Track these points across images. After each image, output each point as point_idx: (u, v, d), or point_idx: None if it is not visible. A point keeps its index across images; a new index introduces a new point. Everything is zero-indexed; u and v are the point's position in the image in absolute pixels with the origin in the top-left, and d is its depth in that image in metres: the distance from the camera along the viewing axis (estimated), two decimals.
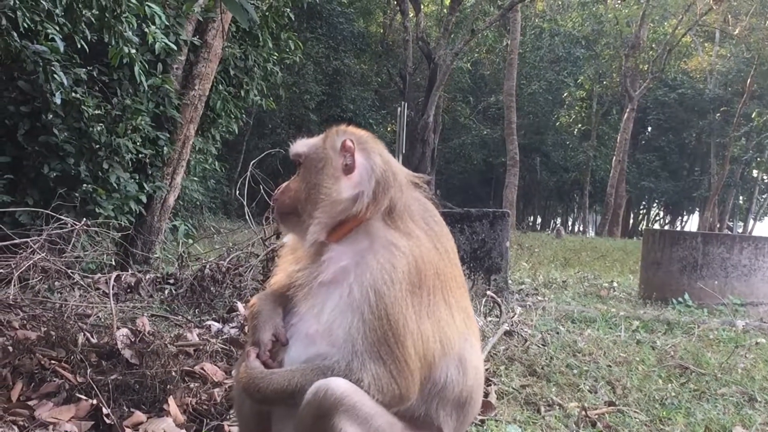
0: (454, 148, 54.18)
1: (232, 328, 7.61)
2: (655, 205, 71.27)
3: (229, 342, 6.83)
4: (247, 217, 11.33)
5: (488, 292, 9.61)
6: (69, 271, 8.34)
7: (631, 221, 66.92)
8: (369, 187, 2.82)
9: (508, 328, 8.51)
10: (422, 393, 2.69)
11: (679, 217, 72.19)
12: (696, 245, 12.59)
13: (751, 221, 64.59)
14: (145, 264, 11.54)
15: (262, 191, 10.60)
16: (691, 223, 72.11)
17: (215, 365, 6.13)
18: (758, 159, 57.19)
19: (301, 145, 2.98)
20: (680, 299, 12.19)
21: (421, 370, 2.62)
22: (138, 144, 11.08)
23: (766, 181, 66.70)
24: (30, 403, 5.06)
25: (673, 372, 7.69)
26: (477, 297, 9.88)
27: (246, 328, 6.86)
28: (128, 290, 9.35)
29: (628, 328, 9.92)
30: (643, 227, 62.16)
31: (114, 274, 8.44)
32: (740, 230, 60.31)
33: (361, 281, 2.65)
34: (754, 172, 63.43)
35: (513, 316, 9.38)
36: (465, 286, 2.95)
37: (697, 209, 64.93)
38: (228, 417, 5.33)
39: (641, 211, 71.64)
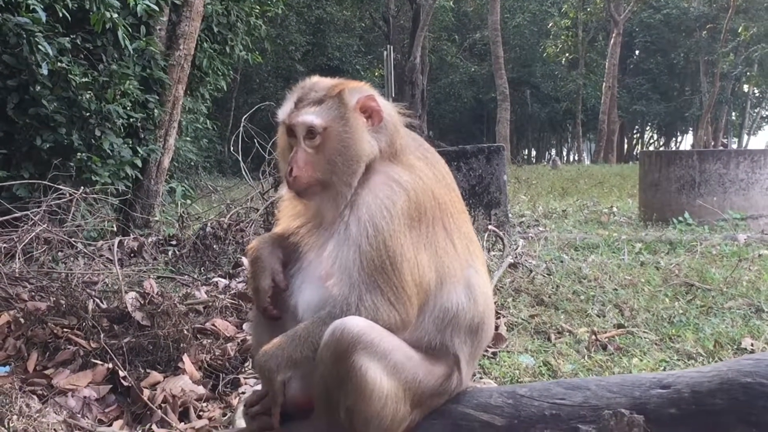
0: (443, 87, 53.96)
1: (239, 282, 7.63)
2: (648, 128, 71.19)
3: (237, 296, 6.84)
4: (243, 173, 11.32)
5: (489, 227, 9.63)
6: (71, 240, 8.33)
7: (626, 146, 66.89)
8: (386, 134, 2.85)
9: (512, 261, 8.55)
10: (435, 322, 2.72)
11: (673, 138, 72.17)
12: (692, 163, 12.61)
13: (746, 136, 64.62)
14: (145, 228, 11.56)
15: (257, 146, 10.58)
16: (686, 142, 72.18)
17: (226, 320, 6.18)
18: (748, 73, 57.06)
19: (313, 117, 2.82)
20: (680, 218, 12.23)
21: (419, 297, 2.65)
22: (128, 108, 11.04)
23: (757, 95, 66.57)
24: (47, 372, 5.11)
25: (678, 290, 7.73)
26: (479, 232, 9.88)
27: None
28: (132, 255, 9.37)
29: (631, 251, 9.96)
30: (638, 151, 62.20)
31: (117, 240, 8.43)
32: (735, 146, 60.25)
33: (358, 216, 2.68)
34: (745, 87, 63.29)
35: (516, 249, 9.42)
36: (465, 211, 2.97)
37: (691, 129, 64.91)
38: (243, 370, 5.41)
39: (635, 135, 71.55)
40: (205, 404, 4.96)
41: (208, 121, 17.27)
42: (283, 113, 2.92)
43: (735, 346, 6.06)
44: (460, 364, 2.75)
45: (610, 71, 47.33)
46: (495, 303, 6.30)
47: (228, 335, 5.88)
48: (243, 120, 11.06)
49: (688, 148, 58.46)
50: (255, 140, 10.66)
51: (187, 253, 9.37)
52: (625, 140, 65.91)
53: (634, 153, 65.37)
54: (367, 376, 2.53)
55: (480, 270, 2.87)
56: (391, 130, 2.87)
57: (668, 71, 63.10)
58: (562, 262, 9.02)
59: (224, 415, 4.81)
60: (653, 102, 60.57)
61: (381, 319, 2.60)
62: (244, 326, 6.15)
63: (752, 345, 6.06)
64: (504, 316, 6.48)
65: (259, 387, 3.08)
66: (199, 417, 4.79)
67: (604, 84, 48.34)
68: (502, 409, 2.58)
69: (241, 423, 4.25)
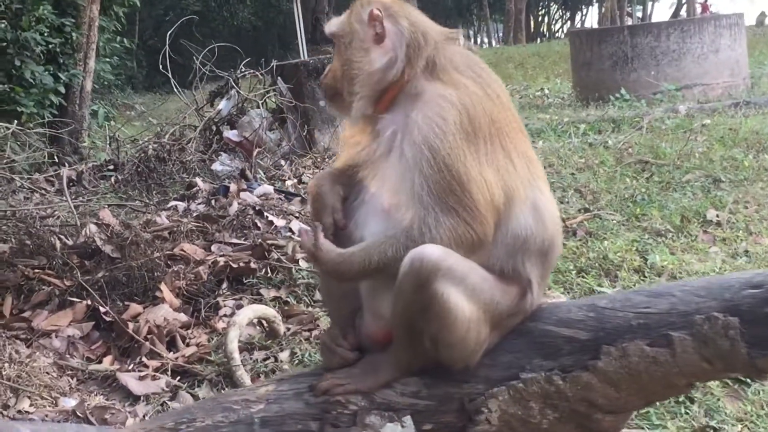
0: None
1: (199, 204, 7.50)
2: (553, 3, 71.17)
3: (201, 219, 6.74)
4: (175, 89, 11.05)
5: None
6: (11, 176, 8.06)
7: (533, 24, 66.93)
8: (401, 51, 2.76)
9: None
10: (507, 249, 2.69)
11: (578, 12, 72.33)
12: (624, 39, 12.66)
13: (650, 4, 65.06)
14: (75, 155, 11.25)
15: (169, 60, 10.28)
16: (591, 16, 72.36)
17: (193, 244, 6.09)
18: None
19: (331, 24, 2.92)
20: (617, 95, 12.30)
21: (492, 215, 2.61)
22: (45, 35, 10.71)
23: None
24: (25, 315, 5.03)
25: (634, 168, 7.84)
26: None
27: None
28: (71, 184, 9.09)
29: (577, 132, 10.01)
30: (545, 29, 62.21)
31: (64, 170, 8.14)
32: (639, 15, 60.66)
33: (411, 140, 2.61)
34: None
35: None
36: (524, 131, 2.89)
37: (595, 1, 65.01)
38: (221, 292, 5.39)
39: (540, 12, 71.55)
40: (189, 331, 4.94)
41: (125, 40, 16.72)
42: None
43: (701, 219, 6.18)
44: (532, 285, 2.74)
45: None
46: None
47: (198, 259, 5.80)
48: (169, 35, 10.68)
49: (595, 22, 58.73)
50: (167, 54, 10.33)
51: (129, 177, 9.15)
52: (531, 18, 65.89)
53: (541, 30, 65.49)
54: (450, 302, 2.52)
55: (544, 190, 2.82)
56: (419, 46, 2.77)
57: None
58: None
59: (210, 340, 4.81)
60: None
61: (460, 240, 2.56)
62: (213, 248, 6.07)
63: (717, 216, 6.20)
64: None
65: None
66: (187, 345, 4.78)
67: None
68: (584, 323, 2.57)
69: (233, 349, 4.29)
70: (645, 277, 5.28)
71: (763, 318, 2.29)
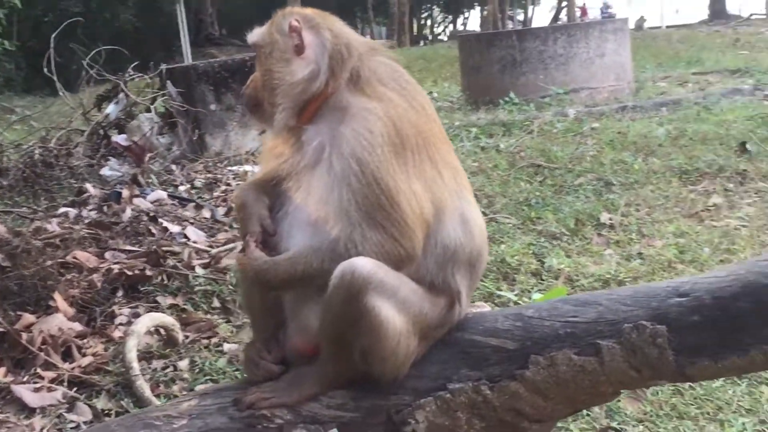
0: None
1: (91, 210, 7.28)
2: (435, 7, 71.95)
3: (93, 226, 6.56)
4: (60, 92, 10.66)
5: None
6: None
7: (416, 28, 67.55)
8: (323, 62, 2.75)
9: None
10: (437, 261, 2.70)
11: (461, 16, 73.32)
12: (512, 43, 12.82)
13: (530, 8, 66.33)
14: None
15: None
16: (473, 19, 73.43)
17: (86, 252, 5.92)
18: None
19: (253, 35, 2.89)
20: (507, 98, 12.42)
21: (422, 229, 2.61)
22: None
23: None
24: None
25: (528, 171, 7.94)
26: None
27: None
28: None
29: (469, 136, 10.08)
30: (428, 32, 62.87)
31: None
32: (521, 18, 61.79)
33: (339, 153, 2.59)
34: None
35: None
36: (449, 141, 2.91)
37: (476, 4, 66.00)
38: (116, 300, 5.25)
39: (423, 16, 72.27)
40: (85, 341, 4.81)
41: (6, 42, 16.14)
42: None
43: (594, 222, 6.32)
44: (461, 296, 2.75)
45: None
46: None
47: (92, 266, 5.64)
48: (52, 38, 10.30)
49: (477, 24, 59.54)
50: (51, 57, 10.00)
51: (15, 183, 8.83)
52: (414, 21, 66.52)
53: (424, 33, 66.13)
54: (381, 315, 2.51)
55: (471, 200, 2.84)
56: (342, 58, 2.76)
57: None
58: None
59: (107, 349, 4.70)
60: None
61: (387, 256, 2.55)
62: (107, 255, 5.91)
63: (610, 219, 6.35)
64: None
65: None
66: (83, 355, 4.66)
67: None
68: (512, 333, 2.57)
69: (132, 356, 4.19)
70: (542, 280, 5.37)
71: (690, 326, 2.32)
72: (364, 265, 2.49)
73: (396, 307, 2.54)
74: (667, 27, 35.42)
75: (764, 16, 35.69)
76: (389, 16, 49.17)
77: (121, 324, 4.97)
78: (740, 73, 14.16)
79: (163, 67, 10.34)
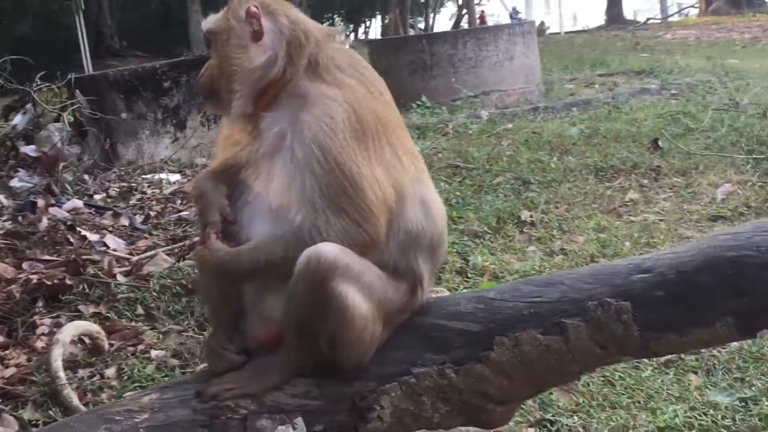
0: None
1: (5, 221, 7.09)
2: (336, 16, 72.14)
3: (8, 236, 6.42)
4: None
5: None
6: None
7: None
8: (281, 49, 2.73)
9: None
10: (399, 246, 2.69)
11: (362, 24, 73.66)
12: (422, 47, 12.92)
13: (431, 16, 66.99)
14: None
15: None
16: (375, 27, 73.78)
17: (3, 263, 5.79)
18: None
19: (208, 22, 2.85)
20: (419, 102, 12.49)
21: (385, 214, 2.60)
22: None
23: None
24: None
25: (446, 172, 7.98)
26: None
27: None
28: None
29: None
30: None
31: None
32: (422, 26, 62.35)
33: (301, 140, 2.57)
34: None
35: None
36: (404, 127, 2.91)
37: (377, 12, 66.37)
38: (36, 310, 5.13)
39: (324, 23, 72.32)
40: (7, 352, 4.70)
41: None
42: None
43: (515, 220, 6.38)
44: (423, 280, 2.75)
45: None
46: None
47: (9, 277, 5.53)
48: None
49: (378, 33, 59.75)
50: None
51: None
52: None
53: None
54: (348, 300, 2.49)
55: (430, 185, 2.85)
56: (300, 44, 2.74)
57: None
58: None
59: (30, 360, 4.58)
60: None
61: (352, 242, 2.54)
62: (24, 265, 5.79)
63: (531, 216, 6.42)
64: None
65: None
66: (6, 366, 4.53)
67: None
68: (475, 315, 2.57)
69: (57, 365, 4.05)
70: (468, 278, 5.38)
71: (654, 301, 2.36)
72: (330, 251, 2.47)
73: (361, 293, 2.53)
74: (566, 33, 36.18)
75: (659, 21, 36.75)
76: None
77: (43, 334, 4.86)
78: (645, 74, 14.53)
79: (72, 76, 10.10)
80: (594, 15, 48.11)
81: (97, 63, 25.93)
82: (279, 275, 2.55)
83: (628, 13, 43.08)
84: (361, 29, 72.54)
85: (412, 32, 43.39)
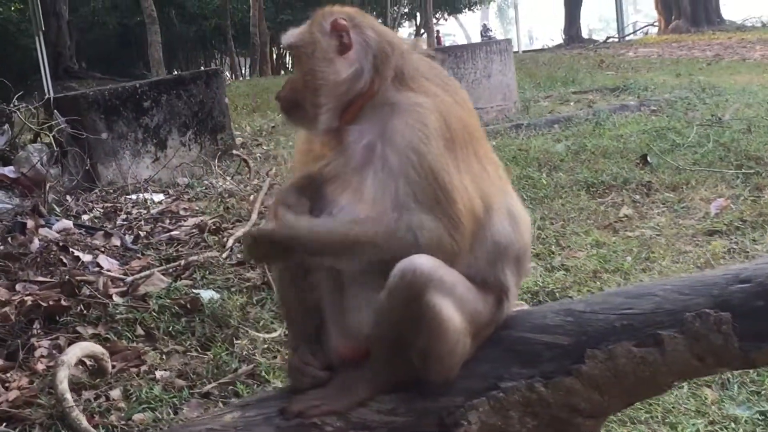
0: (85, 16, 51.12)
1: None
2: None
3: (2, 257, 6.30)
4: None
5: (235, 152, 9.60)
6: None
7: (275, 57, 67.68)
8: (367, 61, 2.73)
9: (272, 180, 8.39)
10: (488, 258, 2.67)
11: None
12: None
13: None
14: None
15: None
16: None
17: None
18: None
19: (289, 36, 2.83)
20: None
21: (472, 225, 2.58)
22: None
23: None
24: None
25: None
26: (212, 159, 9.73)
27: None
28: None
29: None
30: (288, 62, 62.77)
31: None
32: None
33: (394, 147, 2.55)
34: None
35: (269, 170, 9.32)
36: (486, 137, 2.89)
37: None
38: (33, 332, 5.08)
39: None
40: (8, 375, 4.65)
41: None
42: None
43: None
44: (509, 293, 2.73)
45: None
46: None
47: (3, 299, 5.48)
48: None
49: None
50: None
51: None
52: (274, 51, 66.68)
53: (284, 62, 66.28)
54: (443, 313, 2.46)
55: (515, 196, 2.84)
56: (387, 56, 2.74)
57: None
58: None
59: (32, 382, 4.55)
60: (298, 10, 61.27)
61: (439, 249, 2.51)
62: (17, 287, 5.74)
63: None
64: None
65: None
66: (8, 389, 4.48)
67: None
68: (563, 328, 2.55)
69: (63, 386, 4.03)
70: None
71: (754, 311, 2.34)
72: (425, 262, 2.45)
73: (455, 305, 2.51)
74: (524, 51, 36.46)
75: (617, 40, 37.21)
76: (250, 46, 49.11)
77: (42, 356, 4.82)
78: (620, 90, 14.60)
79: (50, 96, 9.99)
80: (549, 34, 48.69)
81: (56, 84, 25.64)
82: (348, 261, 2.57)
83: (583, 32, 43.52)
84: None
85: None
